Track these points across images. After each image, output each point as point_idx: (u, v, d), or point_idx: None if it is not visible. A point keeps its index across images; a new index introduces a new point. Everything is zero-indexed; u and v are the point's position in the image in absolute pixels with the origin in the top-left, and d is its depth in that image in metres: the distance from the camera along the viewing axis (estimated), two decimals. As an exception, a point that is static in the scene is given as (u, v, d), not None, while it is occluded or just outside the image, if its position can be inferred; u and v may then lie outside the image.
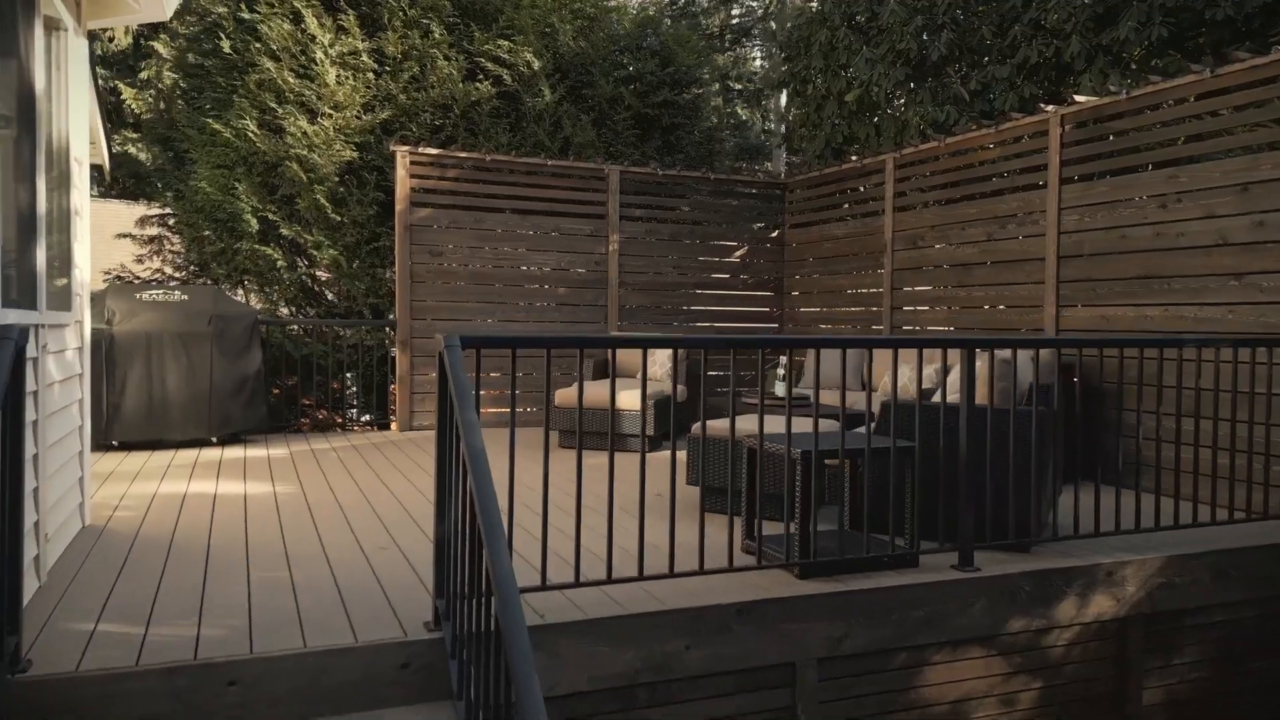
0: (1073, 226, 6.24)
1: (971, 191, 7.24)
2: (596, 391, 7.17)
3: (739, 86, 20.72)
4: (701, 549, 3.56)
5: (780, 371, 6.54)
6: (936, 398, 5.17)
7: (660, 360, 8.22)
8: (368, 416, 9.02)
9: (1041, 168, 6.55)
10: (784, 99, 20.67)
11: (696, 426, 5.11)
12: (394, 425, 8.32)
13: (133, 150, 12.36)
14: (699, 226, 9.34)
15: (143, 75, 11.34)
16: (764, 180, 9.58)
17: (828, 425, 5.19)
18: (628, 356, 8.59)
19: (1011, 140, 6.84)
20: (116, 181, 16.44)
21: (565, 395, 7.20)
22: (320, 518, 4.77)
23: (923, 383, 6.70)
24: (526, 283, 8.69)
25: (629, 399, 7.06)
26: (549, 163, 8.63)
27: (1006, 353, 4.86)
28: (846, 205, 9.07)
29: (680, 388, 7.93)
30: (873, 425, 5.66)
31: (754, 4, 23.42)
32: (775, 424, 5.03)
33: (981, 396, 4.78)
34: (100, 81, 22.02)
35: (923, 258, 7.68)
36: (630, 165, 8.95)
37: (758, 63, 23.98)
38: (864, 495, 4.45)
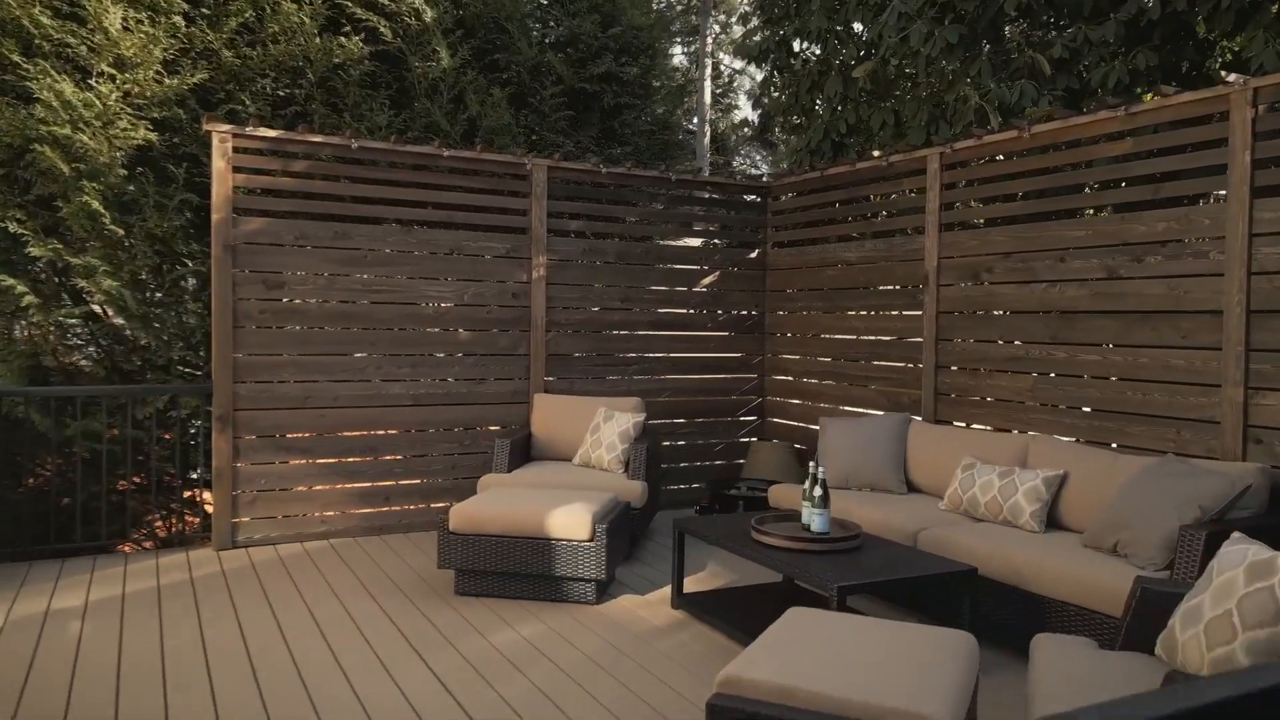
0: (1275, 264, 3.95)
1: (1077, 205, 4.91)
2: (510, 505, 4.57)
3: (658, 84, 18.48)
4: None
5: (815, 490, 4.07)
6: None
7: (608, 438, 5.67)
8: (168, 523, 6.19)
9: (1214, 170, 4.25)
10: (708, 94, 18.53)
11: (719, 685, 2.56)
12: (211, 541, 5.55)
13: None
14: (654, 244, 6.84)
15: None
16: (740, 183, 7.14)
17: (928, 645, 2.72)
18: (567, 420, 6.02)
19: (1156, 128, 4.54)
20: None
21: (465, 513, 4.58)
22: None
23: (1029, 506, 4.33)
24: (414, 324, 6.03)
25: (568, 520, 4.49)
26: (446, 153, 5.99)
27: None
28: (851, 219, 6.69)
29: (639, 487, 5.40)
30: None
31: (674, -2, 21.09)
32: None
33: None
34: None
35: (990, 298, 5.33)
36: (562, 159, 6.38)
37: (678, 59, 21.72)
38: None
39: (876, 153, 6.06)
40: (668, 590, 4.83)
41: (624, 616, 4.38)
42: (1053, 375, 4.96)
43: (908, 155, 5.83)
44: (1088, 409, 4.77)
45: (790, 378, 7.04)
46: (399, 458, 6.00)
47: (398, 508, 5.99)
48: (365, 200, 5.98)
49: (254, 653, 3.85)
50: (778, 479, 6.44)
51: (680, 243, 7.05)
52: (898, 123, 6.62)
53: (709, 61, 18.46)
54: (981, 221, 5.67)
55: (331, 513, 5.78)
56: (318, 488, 5.74)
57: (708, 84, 18.09)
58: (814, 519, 4.05)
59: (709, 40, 18.91)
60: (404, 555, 5.41)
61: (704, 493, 6.97)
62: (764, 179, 7.23)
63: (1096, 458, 4.32)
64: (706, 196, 7.15)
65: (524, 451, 5.96)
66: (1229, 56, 5.37)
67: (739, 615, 4.24)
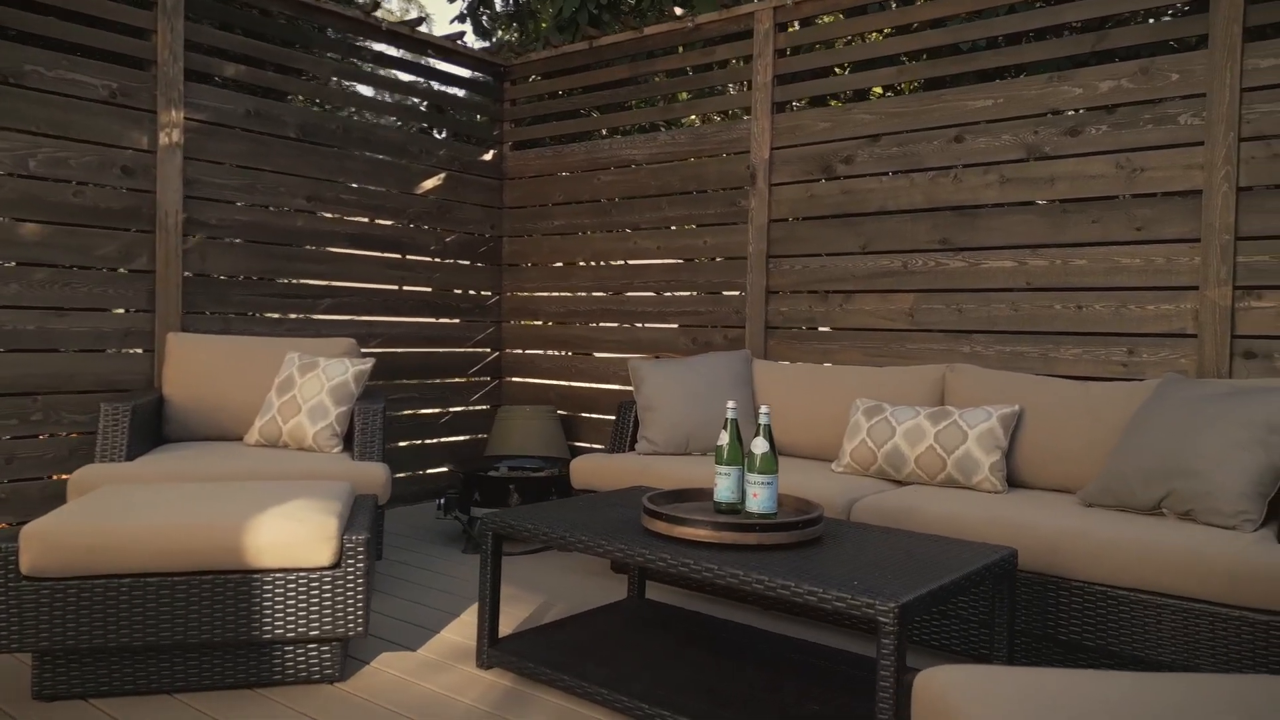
0: (1275, 127, 3.10)
1: (973, 66, 3.78)
2: (161, 514, 2.32)
3: None
4: None
5: (755, 443, 2.43)
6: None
7: (311, 398, 3.50)
8: None
9: (1182, 8, 3.32)
10: None
11: None
12: None
13: None
14: (357, 121, 4.66)
15: None
16: (471, 52, 5.20)
17: None
18: (230, 375, 3.70)
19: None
20: None
21: (57, 537, 2.20)
22: None
23: (955, 451, 3.11)
24: (-79, 203, 3.30)
25: (293, 532, 2.34)
26: (-11, -108, 3.34)
27: None
28: (637, 105, 5.12)
29: (381, 472, 3.30)
30: None
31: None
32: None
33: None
34: None
35: (848, 197, 4.06)
36: (210, -38, 4.00)
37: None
38: None
39: (679, 11, 4.54)
40: (451, 635, 2.86)
41: (404, 700, 2.35)
42: (943, 291, 3.81)
43: (725, 15, 4.38)
44: (995, 331, 3.68)
45: (540, 321, 5.27)
46: None
47: None
48: None
49: None
50: (547, 453, 4.67)
51: (395, 128, 4.92)
52: (680, -5, 5.17)
53: None
54: (849, 95, 4.41)
55: None
56: None
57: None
58: (756, 492, 2.39)
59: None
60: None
61: (452, 479, 5.05)
62: (499, 55, 5.36)
63: (1057, 388, 3.19)
64: (423, 64, 5.10)
65: (151, 429, 3.53)
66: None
67: (610, 667, 2.44)
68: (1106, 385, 3.11)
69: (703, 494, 2.70)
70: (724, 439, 2.48)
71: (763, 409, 2.43)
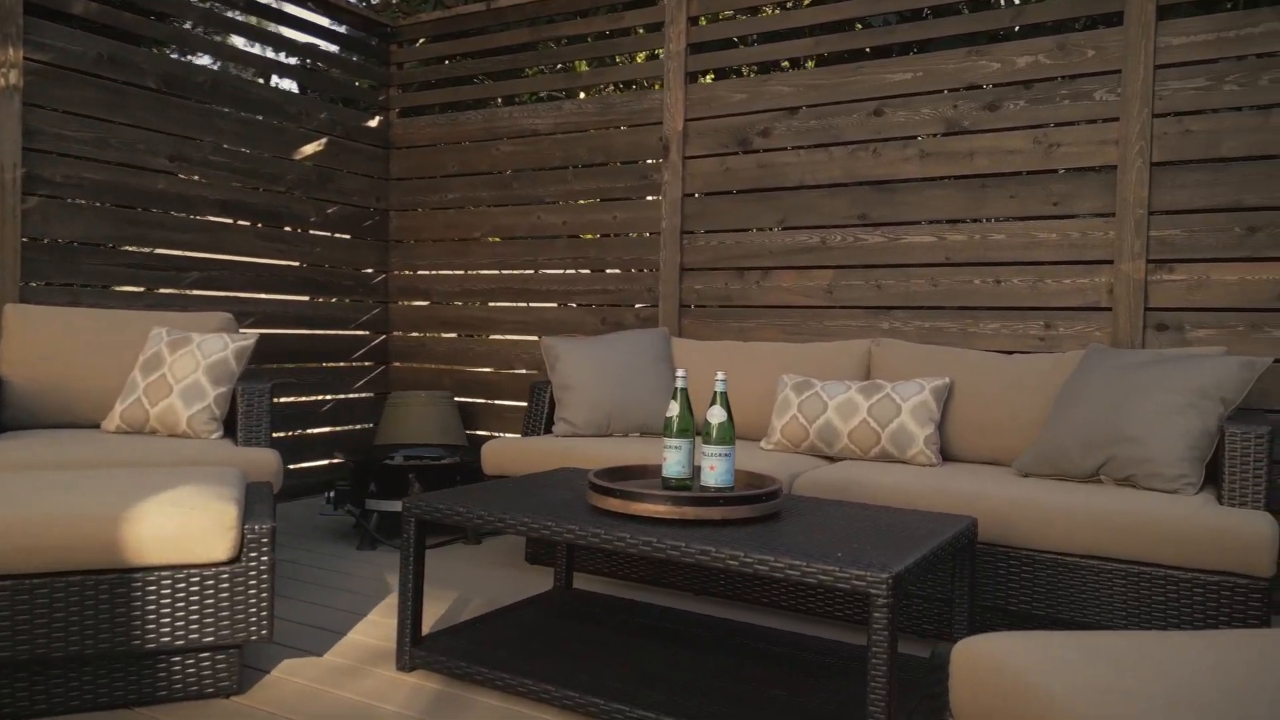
0: (1186, 104, 3.17)
1: (894, 39, 3.73)
2: (18, 503, 1.92)
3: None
4: None
5: (712, 413, 2.25)
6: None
7: (184, 377, 3.09)
8: None
9: (1101, -12, 3.36)
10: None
11: None
12: None
13: None
14: (227, 74, 4.19)
15: None
16: (352, 8, 4.79)
17: None
18: (83, 353, 3.23)
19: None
20: None
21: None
22: None
23: (889, 427, 3.06)
24: None
25: (185, 523, 1.99)
26: None
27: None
28: (539, 71, 4.85)
29: (272, 458, 2.92)
30: None
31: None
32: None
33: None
34: None
35: (765, 172, 3.95)
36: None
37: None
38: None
39: (585, -28, 4.32)
40: (360, 637, 2.55)
41: (319, 711, 2.03)
42: (862, 267, 3.76)
43: (635, -23, 4.20)
44: (914, 306, 3.65)
45: (428, 302, 4.93)
46: None
47: None
48: None
49: None
50: (444, 442, 4.35)
51: (271, 88, 4.45)
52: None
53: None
54: (769, 67, 4.28)
55: None
56: None
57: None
58: (713, 464, 2.21)
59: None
60: None
61: (341, 471, 4.66)
62: (385, 14, 4.97)
63: (983, 361, 3.18)
64: (304, 17, 4.66)
65: (-12, 411, 3.02)
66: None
67: (551, 661, 2.21)
68: (1031, 357, 3.11)
69: (646, 471, 2.50)
70: (674, 410, 2.29)
71: (719, 375, 2.25)
